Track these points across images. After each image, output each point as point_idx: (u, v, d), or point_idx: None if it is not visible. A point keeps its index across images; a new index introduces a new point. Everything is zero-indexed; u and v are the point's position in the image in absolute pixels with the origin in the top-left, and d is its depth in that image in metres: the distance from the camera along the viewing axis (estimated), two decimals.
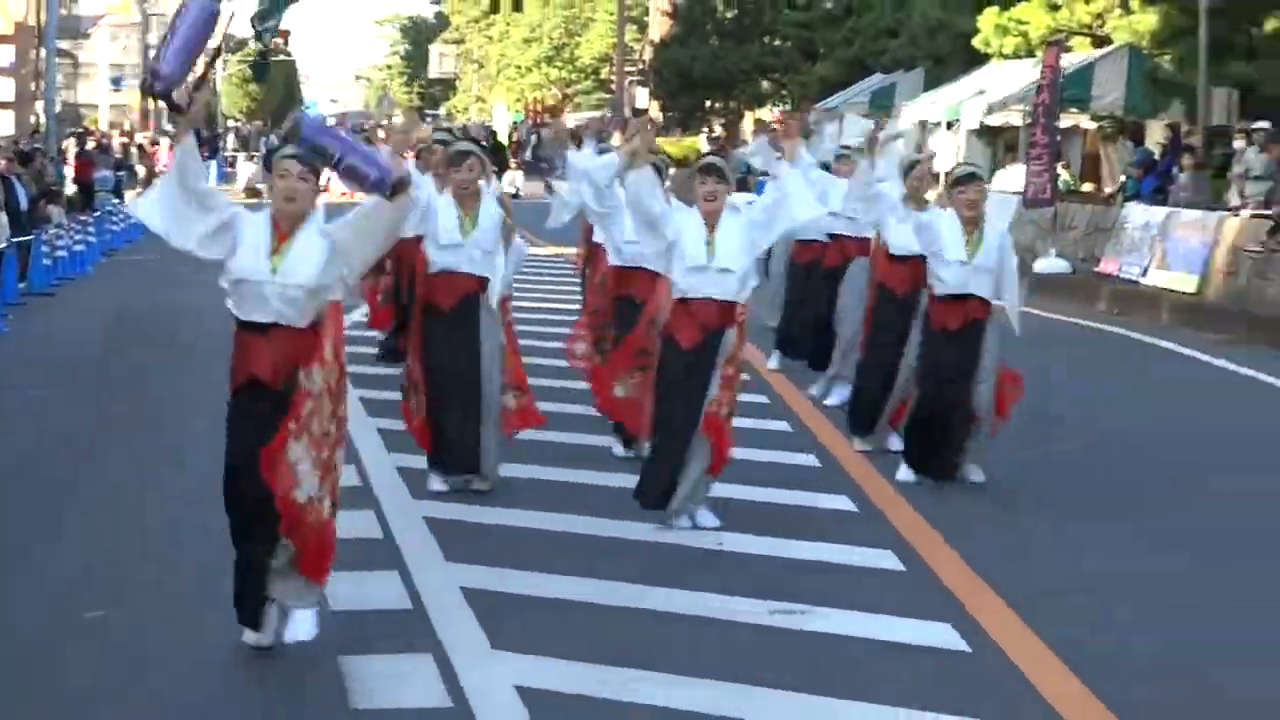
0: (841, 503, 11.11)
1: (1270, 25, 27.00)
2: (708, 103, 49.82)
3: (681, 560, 9.60)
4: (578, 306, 15.68)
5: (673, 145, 43.40)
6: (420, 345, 11.13)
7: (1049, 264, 26.81)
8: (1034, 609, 8.69)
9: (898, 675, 7.70)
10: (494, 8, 64.60)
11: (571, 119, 44.60)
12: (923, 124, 11.65)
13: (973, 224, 11.20)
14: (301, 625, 7.71)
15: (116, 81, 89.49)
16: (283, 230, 7.61)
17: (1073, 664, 7.83)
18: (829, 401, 14.37)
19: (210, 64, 8.24)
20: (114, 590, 9.00)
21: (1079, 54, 31.43)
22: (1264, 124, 23.82)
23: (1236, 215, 23.20)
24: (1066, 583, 9.42)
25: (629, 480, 10.69)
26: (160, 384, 15.82)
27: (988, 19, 33.88)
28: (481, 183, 11.06)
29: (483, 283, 11.04)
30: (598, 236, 13.08)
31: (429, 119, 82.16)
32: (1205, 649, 8.24)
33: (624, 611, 8.58)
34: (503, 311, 11.29)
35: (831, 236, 14.68)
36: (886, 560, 9.70)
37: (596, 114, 53.58)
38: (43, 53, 44.79)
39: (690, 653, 7.93)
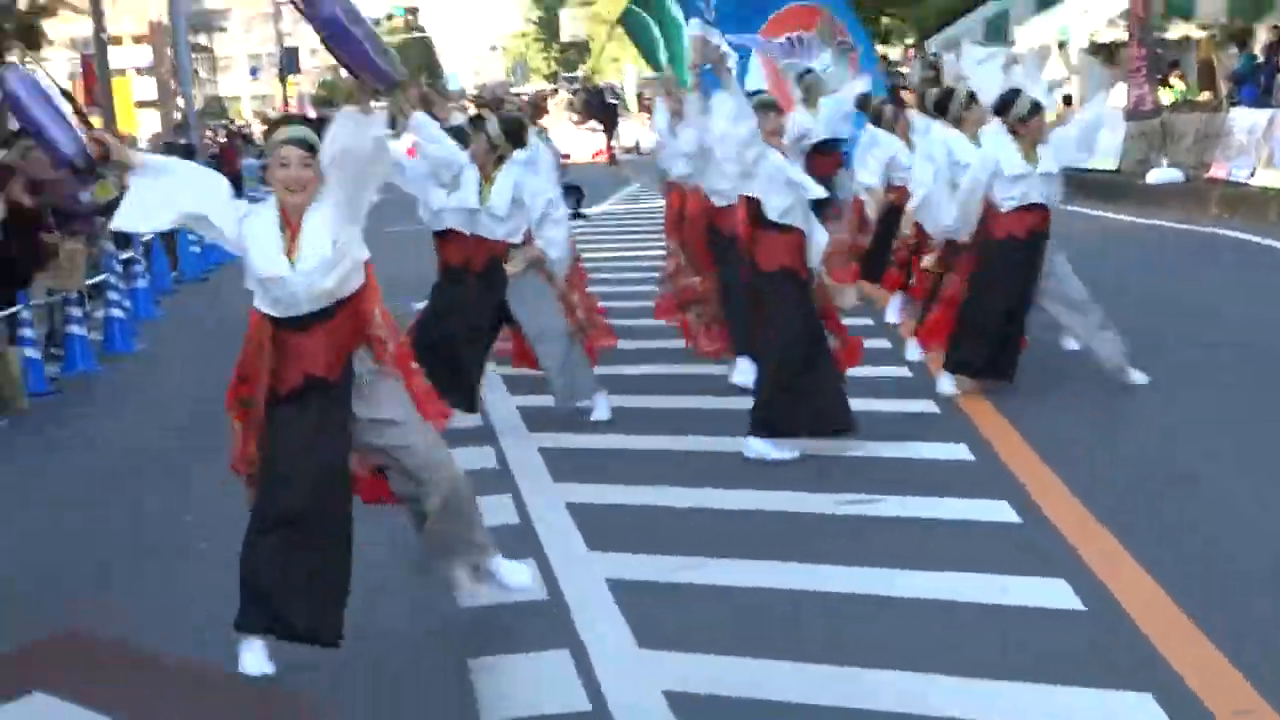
0: (925, 406, 11.96)
1: None
2: None
3: (760, 466, 10.51)
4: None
5: None
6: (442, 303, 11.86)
7: (1162, 174, 27.31)
8: (1087, 488, 9.41)
9: (951, 548, 8.47)
10: None
11: None
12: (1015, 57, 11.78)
13: (1031, 146, 11.89)
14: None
15: (254, 71, 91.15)
16: (292, 221, 7.13)
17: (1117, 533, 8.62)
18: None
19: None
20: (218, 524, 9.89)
21: None
22: None
23: None
24: (1131, 472, 10.13)
25: (713, 403, 11.61)
26: None
27: None
28: (518, 153, 11.79)
29: (501, 248, 11.70)
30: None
31: (567, 82, 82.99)
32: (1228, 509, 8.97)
33: (701, 512, 9.51)
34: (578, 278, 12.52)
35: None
36: (959, 452, 10.52)
37: None
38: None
39: (755, 540, 8.85)
